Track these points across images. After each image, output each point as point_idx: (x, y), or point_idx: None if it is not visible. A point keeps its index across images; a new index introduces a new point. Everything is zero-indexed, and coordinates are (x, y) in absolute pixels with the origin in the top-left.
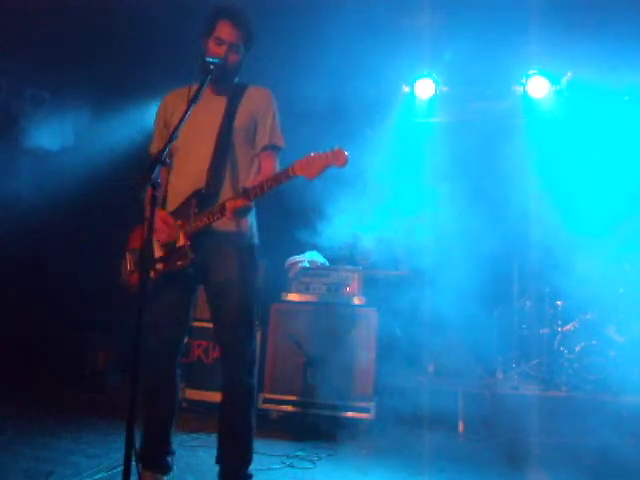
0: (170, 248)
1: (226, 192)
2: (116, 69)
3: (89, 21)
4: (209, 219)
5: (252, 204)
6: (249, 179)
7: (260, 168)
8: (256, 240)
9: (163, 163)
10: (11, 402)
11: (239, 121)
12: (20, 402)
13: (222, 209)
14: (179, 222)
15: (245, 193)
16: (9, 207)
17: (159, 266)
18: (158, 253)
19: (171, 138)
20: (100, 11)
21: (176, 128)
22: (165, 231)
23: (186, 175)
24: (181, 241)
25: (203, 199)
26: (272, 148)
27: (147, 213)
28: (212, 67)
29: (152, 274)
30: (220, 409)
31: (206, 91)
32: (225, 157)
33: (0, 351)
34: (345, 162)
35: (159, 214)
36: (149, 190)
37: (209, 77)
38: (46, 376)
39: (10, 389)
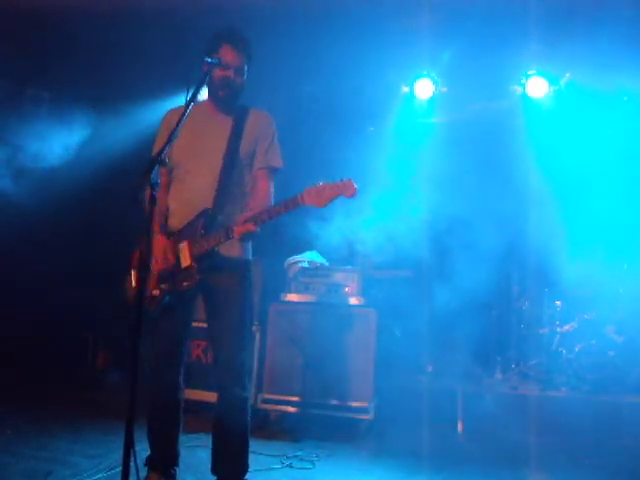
0: (175, 267)
1: (232, 214)
2: (117, 70)
3: (91, 21)
4: (215, 241)
5: (259, 230)
6: (247, 199)
7: (254, 187)
8: (250, 256)
9: (162, 163)
10: (10, 402)
11: (244, 146)
12: (19, 402)
13: (228, 232)
14: (184, 242)
15: (253, 219)
16: (9, 208)
17: (164, 285)
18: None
19: (170, 139)
20: (102, 11)
21: (176, 128)
22: (161, 262)
23: (188, 193)
24: (187, 262)
25: (210, 220)
26: (268, 168)
27: (146, 214)
28: (210, 67)
29: (157, 292)
30: (213, 420)
31: (209, 109)
32: (231, 179)
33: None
34: (354, 194)
35: (160, 241)
36: (148, 190)
37: (207, 76)
38: (46, 376)
39: (9, 389)
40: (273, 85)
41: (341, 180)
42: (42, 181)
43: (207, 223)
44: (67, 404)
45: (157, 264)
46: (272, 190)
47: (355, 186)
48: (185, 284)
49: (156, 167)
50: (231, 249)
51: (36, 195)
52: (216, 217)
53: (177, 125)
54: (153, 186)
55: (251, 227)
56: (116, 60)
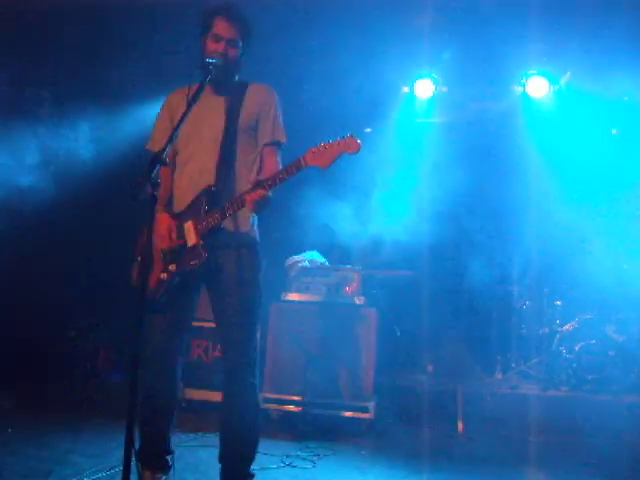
0: (181, 248)
1: (235, 189)
2: (118, 69)
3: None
4: (221, 216)
5: (270, 194)
6: (253, 176)
7: (263, 164)
8: (258, 238)
9: (163, 162)
10: (11, 401)
11: (242, 120)
12: (20, 402)
13: (237, 203)
14: (189, 222)
15: (262, 184)
16: (8, 206)
17: (171, 267)
18: (169, 254)
19: (171, 139)
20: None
21: (176, 128)
22: (167, 239)
23: (190, 175)
24: (193, 240)
25: (213, 197)
26: (274, 144)
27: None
28: (211, 67)
29: (165, 276)
30: (222, 409)
31: (207, 91)
32: (232, 155)
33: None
34: (358, 149)
35: (164, 220)
36: (148, 189)
37: (209, 77)
38: (46, 376)
39: (10, 389)
40: (273, 85)
41: (342, 137)
42: (42, 181)
43: (210, 200)
44: (67, 404)
45: (163, 242)
46: (280, 164)
47: (359, 142)
48: (193, 262)
49: (157, 167)
50: (237, 224)
51: (36, 195)
52: (219, 193)
53: (177, 126)
54: (153, 185)
55: (262, 192)
56: (117, 59)
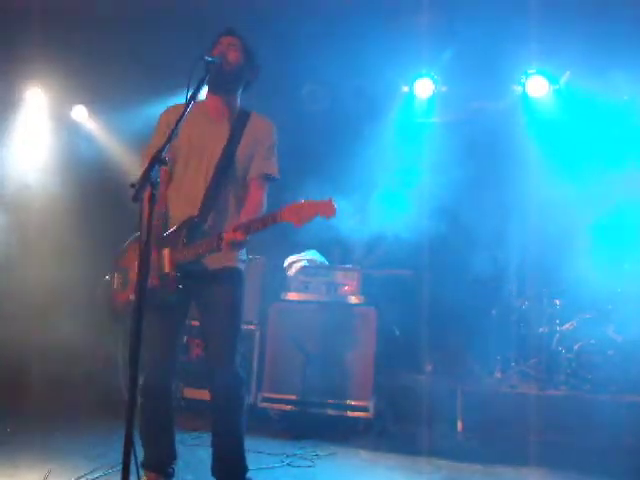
0: (158, 272)
1: (219, 223)
2: (118, 69)
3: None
4: (197, 251)
5: (248, 240)
6: (240, 209)
7: (248, 196)
8: (243, 265)
9: (162, 162)
10: (10, 401)
11: (240, 153)
12: (19, 402)
13: (214, 242)
14: (167, 250)
15: (244, 228)
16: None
17: None
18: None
19: (170, 138)
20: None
21: (175, 127)
22: (155, 274)
23: (181, 199)
24: (167, 268)
25: (193, 229)
26: (263, 177)
27: (146, 213)
28: (209, 66)
29: (133, 297)
30: (212, 425)
31: (209, 109)
32: (222, 188)
33: None
34: (333, 215)
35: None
36: (148, 189)
37: (207, 76)
38: (46, 376)
39: (10, 389)
40: (273, 85)
41: (322, 200)
42: (48, 178)
43: (190, 233)
44: (67, 404)
45: (152, 278)
46: (265, 200)
47: (335, 207)
48: (164, 289)
49: (156, 166)
50: (217, 260)
51: (37, 194)
52: (200, 226)
53: (177, 124)
54: (153, 185)
55: (239, 236)
56: (118, 59)
